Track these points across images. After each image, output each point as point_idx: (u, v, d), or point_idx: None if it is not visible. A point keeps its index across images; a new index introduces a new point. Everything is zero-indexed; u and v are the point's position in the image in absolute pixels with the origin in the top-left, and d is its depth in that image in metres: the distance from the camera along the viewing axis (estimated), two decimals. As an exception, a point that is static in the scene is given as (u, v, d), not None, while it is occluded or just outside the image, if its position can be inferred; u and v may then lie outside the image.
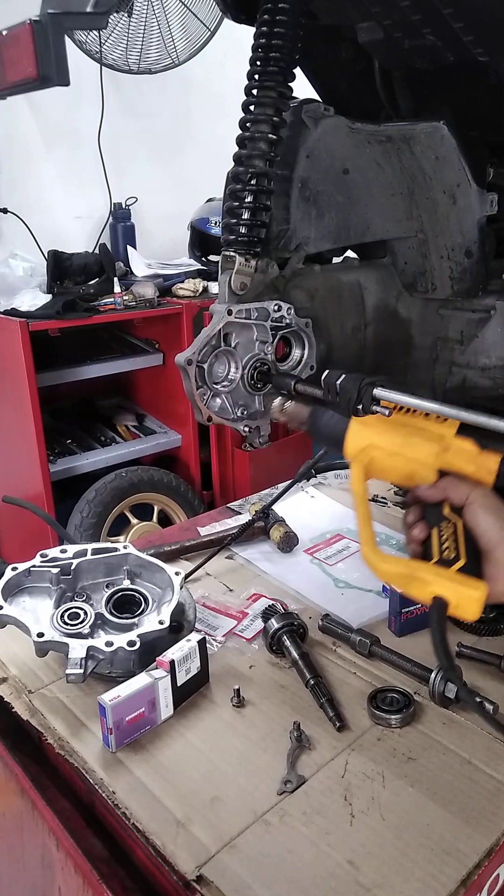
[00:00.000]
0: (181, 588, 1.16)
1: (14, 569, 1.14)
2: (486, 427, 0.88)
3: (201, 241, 3.35)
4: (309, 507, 1.69)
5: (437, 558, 0.81)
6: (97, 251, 3.12)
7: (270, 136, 1.07)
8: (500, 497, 0.83)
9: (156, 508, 3.04)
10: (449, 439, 0.87)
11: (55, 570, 1.15)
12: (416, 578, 0.81)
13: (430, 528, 0.84)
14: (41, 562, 1.17)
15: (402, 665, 1.11)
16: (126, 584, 1.20)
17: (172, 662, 1.02)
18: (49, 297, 2.78)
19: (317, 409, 1.01)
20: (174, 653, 1.04)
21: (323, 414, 1.00)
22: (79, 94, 3.15)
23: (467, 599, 0.78)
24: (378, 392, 0.98)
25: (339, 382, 1.03)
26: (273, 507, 1.55)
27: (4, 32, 1.65)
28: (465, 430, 0.88)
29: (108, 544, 1.26)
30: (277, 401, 1.07)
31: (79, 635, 1.06)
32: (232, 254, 1.08)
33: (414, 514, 0.87)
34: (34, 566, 1.16)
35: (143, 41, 2.90)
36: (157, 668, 1.02)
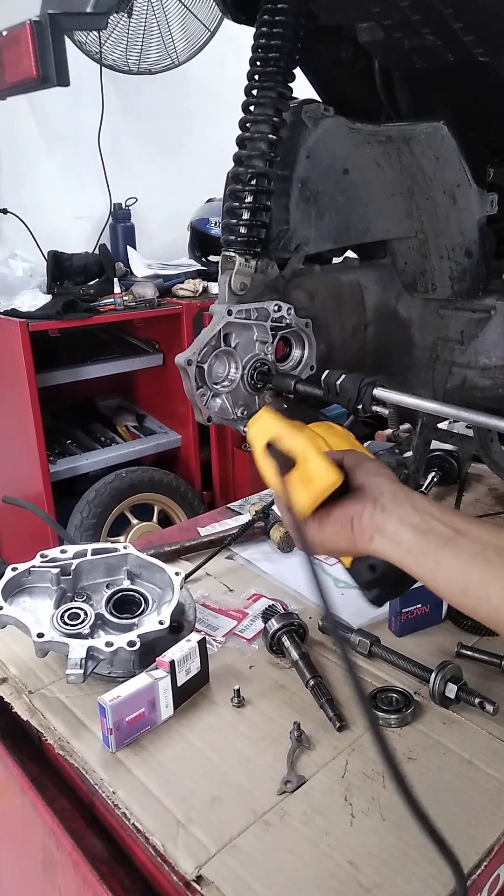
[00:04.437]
0: (181, 588, 1.16)
1: (14, 569, 1.14)
2: (486, 427, 0.88)
3: (201, 242, 3.35)
4: (309, 508, 1.69)
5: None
6: (97, 251, 3.12)
7: (270, 136, 1.07)
8: None
9: (156, 509, 3.04)
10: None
11: (55, 571, 1.15)
12: (289, 434, 0.72)
13: None
14: (41, 562, 1.17)
15: (402, 665, 1.11)
16: (126, 584, 1.20)
17: (172, 663, 1.02)
18: (49, 297, 2.78)
19: (289, 410, 1.02)
20: (174, 653, 1.04)
21: (290, 413, 0.99)
22: (79, 94, 3.15)
23: (320, 471, 0.69)
24: (378, 392, 0.99)
25: (339, 382, 1.03)
26: (273, 507, 1.55)
27: (4, 32, 1.66)
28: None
29: (108, 544, 1.26)
30: (267, 395, 1.09)
31: (79, 635, 1.06)
32: (232, 254, 1.08)
33: None
34: (34, 566, 1.16)
35: (143, 41, 2.90)
36: (157, 669, 1.02)
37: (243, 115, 1.09)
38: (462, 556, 0.64)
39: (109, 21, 2.43)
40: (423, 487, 1.69)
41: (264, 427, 0.76)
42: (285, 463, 0.71)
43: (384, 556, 0.69)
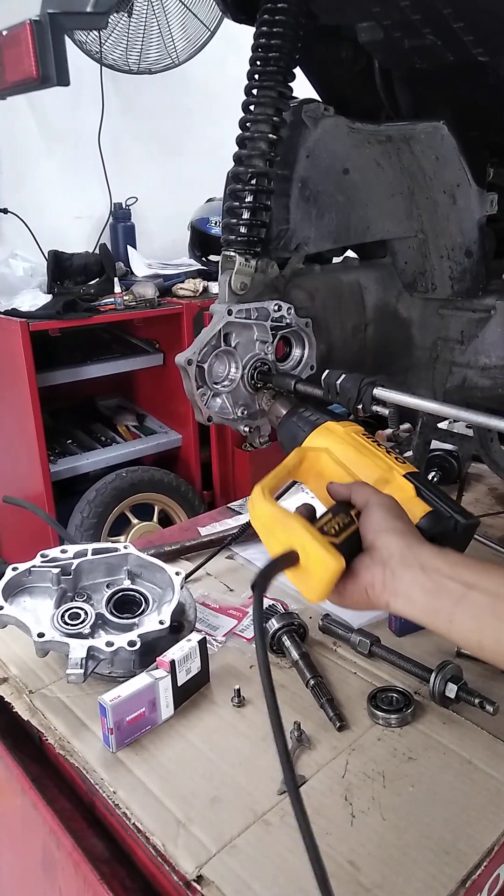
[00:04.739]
0: (181, 588, 1.16)
1: (14, 569, 1.14)
2: (486, 427, 0.88)
3: (201, 241, 3.35)
4: (309, 507, 1.69)
5: (316, 525, 0.74)
6: (97, 251, 3.12)
7: (270, 135, 1.07)
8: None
9: (156, 508, 3.04)
10: (392, 474, 0.86)
11: (56, 571, 1.15)
12: (284, 524, 0.74)
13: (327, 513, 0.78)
14: (42, 562, 1.17)
15: (402, 665, 1.11)
16: (126, 584, 1.20)
17: (173, 662, 1.02)
18: (49, 297, 2.78)
19: (293, 412, 1.02)
20: (174, 653, 1.04)
21: (293, 416, 1.00)
22: (79, 94, 3.15)
23: (321, 564, 0.70)
24: (378, 392, 0.99)
25: (339, 382, 1.03)
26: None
27: (4, 32, 1.66)
28: (415, 479, 0.87)
29: (109, 544, 1.26)
30: (266, 396, 1.08)
31: (79, 635, 1.06)
32: (232, 254, 1.08)
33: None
34: (35, 566, 1.16)
35: (143, 41, 2.89)
36: (157, 668, 1.02)
37: (243, 114, 1.09)
38: (473, 613, 0.66)
39: (109, 21, 2.43)
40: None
41: (259, 518, 0.77)
42: (289, 560, 0.72)
43: (402, 616, 0.72)
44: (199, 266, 3.35)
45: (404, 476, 0.86)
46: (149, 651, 1.06)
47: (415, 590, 0.69)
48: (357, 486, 0.79)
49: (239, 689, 1.07)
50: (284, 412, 1.06)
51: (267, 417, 1.13)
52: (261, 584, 0.72)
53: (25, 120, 3.20)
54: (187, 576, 1.32)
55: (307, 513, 0.77)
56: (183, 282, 3.14)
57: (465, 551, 0.86)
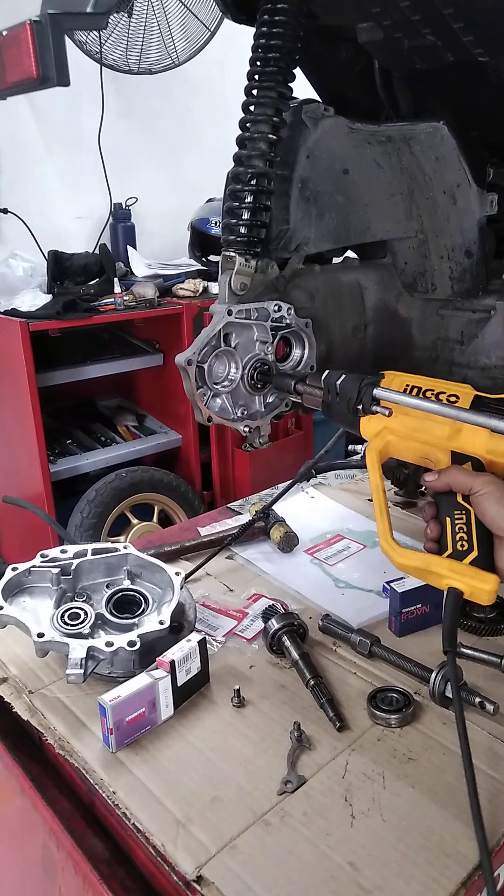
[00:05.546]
0: (181, 588, 1.16)
1: (14, 569, 1.14)
2: (486, 427, 0.88)
3: (201, 241, 3.36)
4: (309, 508, 1.69)
5: (450, 551, 0.83)
6: (97, 251, 3.13)
7: (270, 136, 1.07)
8: None
9: (156, 508, 3.04)
10: (458, 422, 0.89)
11: (55, 571, 1.15)
12: (432, 572, 0.84)
13: (444, 519, 0.86)
14: (41, 562, 1.17)
15: (402, 665, 1.11)
16: (126, 584, 1.20)
17: (173, 662, 1.02)
18: (49, 297, 2.79)
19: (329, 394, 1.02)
20: (174, 653, 1.04)
21: (334, 398, 1.01)
22: (79, 94, 3.15)
23: (479, 591, 0.81)
24: (378, 392, 0.98)
25: (339, 382, 1.03)
26: (273, 508, 1.55)
27: (4, 32, 1.65)
28: (478, 406, 0.89)
29: (109, 544, 1.26)
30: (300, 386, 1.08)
31: (79, 635, 1.06)
32: (232, 254, 1.08)
33: (430, 508, 0.90)
34: (34, 566, 1.16)
35: (143, 41, 2.90)
36: (157, 669, 1.02)
37: (243, 114, 1.09)
38: None
39: (109, 21, 2.44)
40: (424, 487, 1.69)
41: (406, 568, 0.88)
42: (456, 600, 0.83)
43: None
44: (199, 266, 3.36)
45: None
46: (149, 651, 1.06)
47: None
48: (450, 475, 0.85)
49: (239, 690, 1.07)
50: (320, 396, 1.05)
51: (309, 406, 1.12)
52: (452, 647, 0.85)
53: (25, 120, 3.20)
54: (187, 576, 1.32)
55: (433, 535, 0.87)
56: (183, 282, 3.15)
57: None
